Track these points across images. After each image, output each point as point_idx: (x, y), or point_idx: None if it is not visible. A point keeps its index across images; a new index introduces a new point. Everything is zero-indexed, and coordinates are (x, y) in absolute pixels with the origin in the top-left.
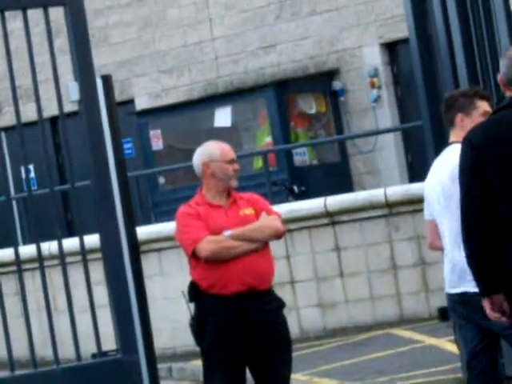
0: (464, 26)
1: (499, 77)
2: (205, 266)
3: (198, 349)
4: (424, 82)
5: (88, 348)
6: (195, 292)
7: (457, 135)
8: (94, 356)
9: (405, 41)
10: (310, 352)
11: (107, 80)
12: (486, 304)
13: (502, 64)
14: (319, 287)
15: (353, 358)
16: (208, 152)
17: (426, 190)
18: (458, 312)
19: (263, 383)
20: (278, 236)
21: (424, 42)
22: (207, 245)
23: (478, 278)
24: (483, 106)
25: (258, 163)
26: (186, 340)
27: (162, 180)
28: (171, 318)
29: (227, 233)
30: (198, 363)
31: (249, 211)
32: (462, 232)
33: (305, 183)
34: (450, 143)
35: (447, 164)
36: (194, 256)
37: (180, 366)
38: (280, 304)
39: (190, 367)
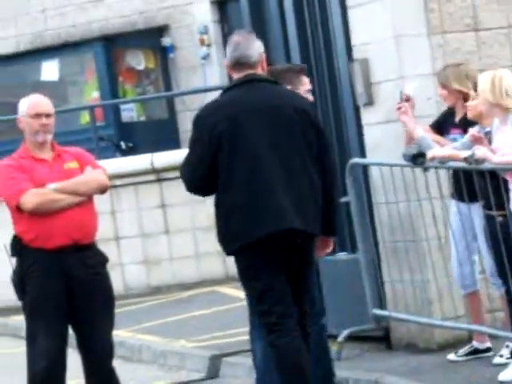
0: None
1: (225, 62)
2: (28, 219)
3: (19, 304)
4: None
5: None
6: (18, 246)
7: None
8: None
9: None
10: (133, 309)
11: None
12: None
13: (228, 49)
14: (144, 244)
15: (176, 315)
16: (21, 106)
17: None
18: None
19: (85, 338)
20: (102, 190)
21: (254, 1)
22: (31, 197)
23: None
24: (308, 83)
25: (85, 118)
26: (7, 295)
27: None
28: None
29: (51, 186)
30: (19, 318)
31: (73, 165)
32: None
33: (132, 139)
34: None
35: None
36: (17, 209)
37: (1, 321)
38: (103, 259)
39: (12, 322)
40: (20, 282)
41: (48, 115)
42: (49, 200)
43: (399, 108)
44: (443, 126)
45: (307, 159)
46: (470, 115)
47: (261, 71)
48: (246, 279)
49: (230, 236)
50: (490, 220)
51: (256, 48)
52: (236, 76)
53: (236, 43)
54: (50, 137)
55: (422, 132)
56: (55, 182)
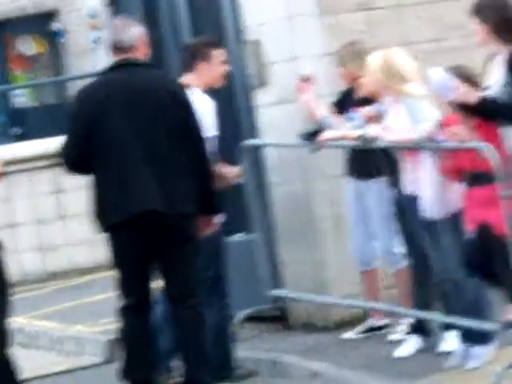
0: None
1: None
2: None
3: None
4: (147, 25)
5: None
6: None
7: (196, 79)
8: None
9: None
10: (30, 295)
11: None
12: None
13: (109, 33)
14: (39, 230)
15: (73, 300)
16: None
17: None
18: None
19: None
20: None
21: None
22: None
23: None
24: (222, 54)
25: None
26: None
27: None
28: None
29: None
30: None
31: None
32: None
33: (25, 125)
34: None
35: None
36: None
37: None
38: None
39: None
40: None
41: None
42: None
43: (300, 88)
44: (343, 105)
45: (176, 141)
46: (363, 93)
47: (139, 55)
48: (113, 257)
49: (99, 216)
50: (398, 196)
51: (132, 32)
52: (114, 59)
53: (114, 28)
54: None
55: (325, 112)
56: None
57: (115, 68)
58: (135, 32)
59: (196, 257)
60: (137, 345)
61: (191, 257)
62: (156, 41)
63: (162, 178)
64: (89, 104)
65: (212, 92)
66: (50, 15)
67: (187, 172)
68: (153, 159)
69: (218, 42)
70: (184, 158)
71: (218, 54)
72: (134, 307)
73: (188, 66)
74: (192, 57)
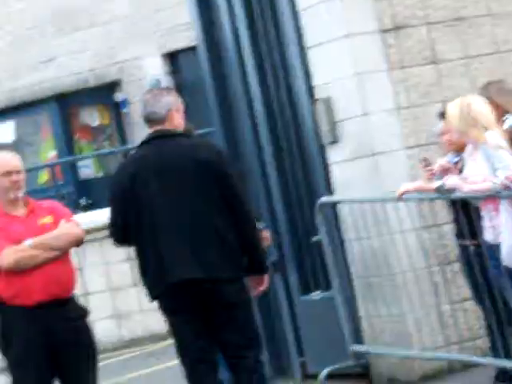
0: (252, 33)
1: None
2: (6, 277)
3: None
4: (215, 90)
5: None
6: None
7: None
8: None
9: (186, 50)
10: (107, 363)
11: None
12: None
13: (141, 105)
14: (113, 298)
15: (149, 367)
16: None
17: None
18: None
19: None
20: (78, 243)
21: (212, 49)
22: (8, 255)
23: None
24: None
25: (43, 177)
26: None
27: None
28: None
29: (28, 242)
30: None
31: (47, 220)
32: None
33: (91, 195)
34: None
35: None
36: None
37: None
38: (83, 312)
39: None
40: (2, 338)
41: (18, 172)
42: (26, 256)
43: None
44: None
45: (212, 209)
46: (448, 149)
47: (171, 125)
48: (168, 325)
49: (145, 287)
50: (463, 249)
51: (163, 103)
52: (149, 132)
53: (145, 101)
54: (21, 193)
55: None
56: (30, 238)
57: (149, 140)
58: (166, 102)
59: (248, 318)
60: None
61: (240, 320)
62: (225, 104)
63: (197, 245)
64: (123, 179)
65: (285, 152)
66: (112, 86)
67: (225, 237)
68: (185, 227)
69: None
70: (221, 222)
71: None
72: (200, 371)
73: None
74: None
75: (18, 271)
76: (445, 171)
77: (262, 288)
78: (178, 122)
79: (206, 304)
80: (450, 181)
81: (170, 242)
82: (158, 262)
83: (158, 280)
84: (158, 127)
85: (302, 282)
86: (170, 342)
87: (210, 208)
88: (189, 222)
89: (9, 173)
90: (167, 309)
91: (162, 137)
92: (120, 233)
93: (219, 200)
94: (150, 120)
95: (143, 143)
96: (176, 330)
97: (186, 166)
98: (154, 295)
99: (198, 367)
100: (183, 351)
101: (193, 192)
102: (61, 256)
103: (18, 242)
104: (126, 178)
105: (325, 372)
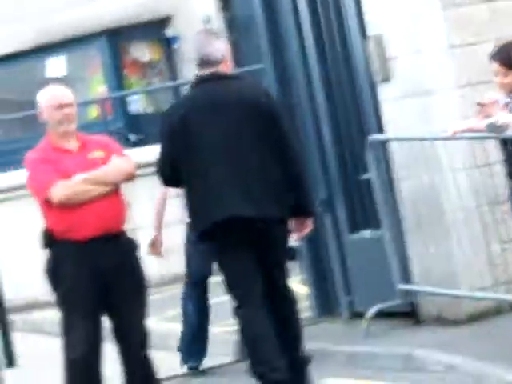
0: None
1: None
2: (58, 212)
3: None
4: (266, 26)
5: None
6: (48, 238)
7: None
8: None
9: None
10: (154, 298)
11: None
12: None
13: (192, 48)
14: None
15: None
16: (40, 98)
17: None
18: None
19: (119, 327)
20: (129, 178)
21: None
22: (60, 189)
23: None
24: None
25: (92, 113)
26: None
27: None
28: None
29: (80, 176)
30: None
31: (98, 154)
32: None
33: (140, 131)
34: None
35: None
36: (46, 202)
37: (23, 317)
38: (134, 245)
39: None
40: (53, 273)
41: (70, 105)
42: (78, 191)
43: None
44: None
45: (263, 149)
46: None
47: (226, 69)
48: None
49: (192, 222)
50: None
51: (219, 46)
52: (200, 73)
53: (199, 42)
54: (73, 126)
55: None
56: (80, 172)
57: (202, 82)
58: (221, 46)
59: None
60: (260, 342)
61: (283, 260)
62: (276, 41)
63: (248, 184)
64: (172, 122)
65: (336, 89)
66: (163, 22)
67: (276, 178)
68: (237, 167)
69: None
70: (272, 164)
71: None
72: (250, 306)
73: None
74: None
75: (70, 206)
76: (493, 104)
77: (307, 231)
78: (229, 66)
79: (257, 243)
80: (502, 117)
81: (221, 181)
82: (206, 204)
83: (205, 215)
84: (213, 69)
85: (350, 221)
86: (218, 277)
87: (264, 150)
88: (242, 164)
89: (61, 106)
90: (220, 245)
91: (216, 79)
92: (169, 173)
93: (270, 142)
94: (205, 62)
95: (196, 84)
96: (225, 266)
97: (238, 106)
98: (200, 230)
99: (249, 299)
100: (235, 283)
101: (248, 133)
102: (112, 190)
103: (69, 176)
104: (176, 120)
105: (372, 310)
